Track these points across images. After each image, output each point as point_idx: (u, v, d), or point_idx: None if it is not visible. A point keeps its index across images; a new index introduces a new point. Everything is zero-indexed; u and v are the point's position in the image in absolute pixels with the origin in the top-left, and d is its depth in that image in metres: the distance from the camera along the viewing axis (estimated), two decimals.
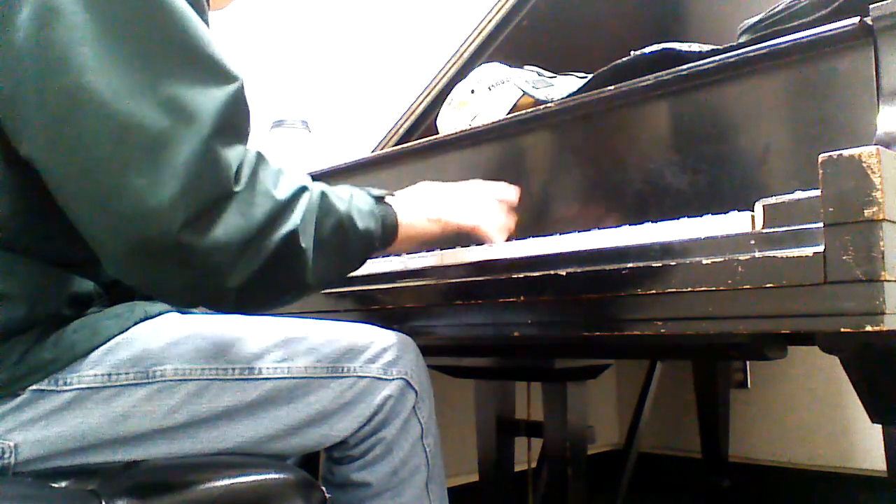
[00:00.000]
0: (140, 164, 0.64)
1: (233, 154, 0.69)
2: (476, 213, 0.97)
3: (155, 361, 0.77)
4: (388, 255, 1.07)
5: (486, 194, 1.01)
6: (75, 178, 0.66)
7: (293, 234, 0.73)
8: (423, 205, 0.95)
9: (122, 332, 0.78)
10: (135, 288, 0.80)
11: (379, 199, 0.89)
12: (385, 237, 0.88)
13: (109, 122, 0.64)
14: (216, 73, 0.69)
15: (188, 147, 0.65)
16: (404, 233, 0.91)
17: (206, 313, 0.89)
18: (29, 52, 0.64)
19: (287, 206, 0.73)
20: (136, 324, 0.79)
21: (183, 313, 0.86)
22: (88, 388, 0.74)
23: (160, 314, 0.82)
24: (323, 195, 0.79)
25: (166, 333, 0.80)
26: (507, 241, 0.99)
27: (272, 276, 0.72)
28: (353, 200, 0.84)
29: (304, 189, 0.76)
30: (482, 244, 0.99)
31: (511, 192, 1.04)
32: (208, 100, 0.67)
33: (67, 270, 0.75)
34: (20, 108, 0.66)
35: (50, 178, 0.67)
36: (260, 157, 0.72)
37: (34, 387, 0.73)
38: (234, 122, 0.69)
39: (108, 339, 0.76)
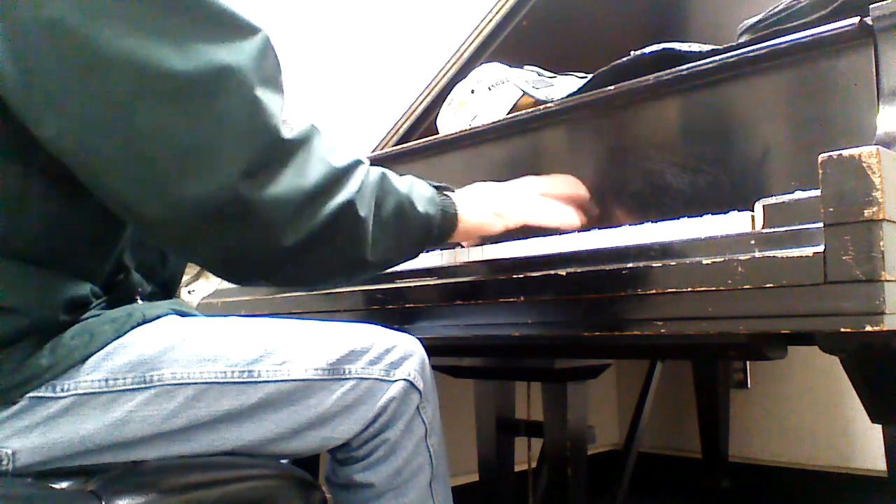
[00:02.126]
0: (189, 121, 0.64)
1: (275, 104, 0.69)
2: (538, 208, 0.97)
3: (153, 366, 0.76)
4: (432, 250, 1.05)
5: (545, 189, 1.00)
6: (117, 146, 0.64)
7: (350, 203, 0.74)
8: (485, 199, 0.95)
9: (120, 336, 0.77)
10: (182, 254, 0.78)
11: (440, 189, 0.91)
12: (444, 226, 0.89)
13: (147, 85, 0.63)
14: (237, 27, 0.68)
15: (235, 99, 0.65)
16: (465, 224, 0.92)
17: (206, 315, 0.89)
18: (37, 27, 0.63)
19: (344, 174, 0.74)
20: (133, 328, 0.78)
21: (182, 316, 0.86)
22: (86, 393, 0.74)
23: (158, 318, 0.82)
24: (384, 175, 0.81)
25: (164, 337, 0.79)
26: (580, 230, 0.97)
27: (329, 243, 0.73)
28: (413, 185, 0.86)
29: (360, 163, 0.77)
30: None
31: (578, 187, 1.02)
32: (239, 53, 0.67)
33: (63, 273, 0.74)
34: (39, 86, 0.64)
35: (80, 154, 0.66)
36: (314, 127, 0.74)
37: (32, 394, 0.72)
38: (269, 72, 0.70)
39: (106, 345, 0.76)
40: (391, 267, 0.89)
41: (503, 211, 0.95)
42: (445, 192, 0.92)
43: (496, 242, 0.99)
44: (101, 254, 0.79)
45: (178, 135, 0.64)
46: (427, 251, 0.93)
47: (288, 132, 0.70)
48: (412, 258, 0.90)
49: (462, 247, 1.04)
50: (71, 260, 0.75)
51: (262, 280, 0.79)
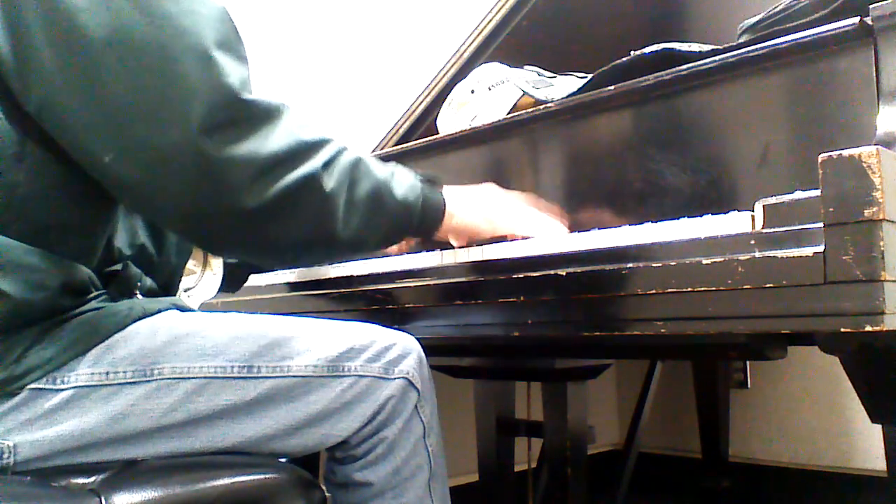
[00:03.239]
0: (149, 77, 0.69)
1: (232, 68, 0.72)
2: (528, 221, 0.99)
3: (154, 360, 0.77)
4: (432, 250, 1.07)
5: (540, 212, 1.02)
6: (93, 111, 0.69)
7: (313, 176, 0.76)
8: (478, 203, 0.97)
9: (121, 329, 0.77)
10: (148, 213, 0.80)
11: (427, 180, 0.92)
12: (426, 216, 0.90)
13: (111, 54, 0.68)
14: None
15: (189, 56, 0.70)
16: (453, 221, 0.93)
17: (206, 311, 0.89)
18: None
19: (309, 148, 0.77)
20: (134, 321, 0.79)
21: (182, 311, 0.86)
22: (87, 386, 0.74)
23: (159, 312, 0.82)
24: (360, 158, 0.82)
25: (165, 331, 0.79)
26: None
27: (291, 214, 0.75)
28: (395, 172, 0.88)
29: (330, 141, 0.80)
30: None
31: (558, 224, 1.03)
32: (196, 17, 0.71)
33: (55, 253, 0.74)
34: (28, 57, 0.69)
35: (62, 115, 0.70)
36: (286, 105, 0.77)
37: (32, 385, 0.72)
38: (225, 38, 0.73)
39: (107, 338, 0.76)
40: (368, 250, 0.90)
41: (494, 217, 0.97)
42: (433, 185, 0.92)
43: (490, 243, 0.99)
44: (92, 232, 0.80)
45: (139, 89, 0.69)
46: (416, 244, 0.96)
47: (249, 96, 0.73)
48: (392, 244, 0.92)
49: (454, 247, 1.04)
50: (63, 238, 0.75)
51: (228, 246, 0.82)
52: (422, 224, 0.91)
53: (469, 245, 0.99)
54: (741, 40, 0.98)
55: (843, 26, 0.78)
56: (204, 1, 0.73)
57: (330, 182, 0.77)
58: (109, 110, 0.69)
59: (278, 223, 0.75)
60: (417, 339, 0.92)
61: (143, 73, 0.69)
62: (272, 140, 0.73)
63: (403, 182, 0.88)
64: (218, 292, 1.33)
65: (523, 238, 0.97)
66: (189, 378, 0.78)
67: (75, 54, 0.69)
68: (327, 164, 0.78)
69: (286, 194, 0.74)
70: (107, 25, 0.69)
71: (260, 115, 0.73)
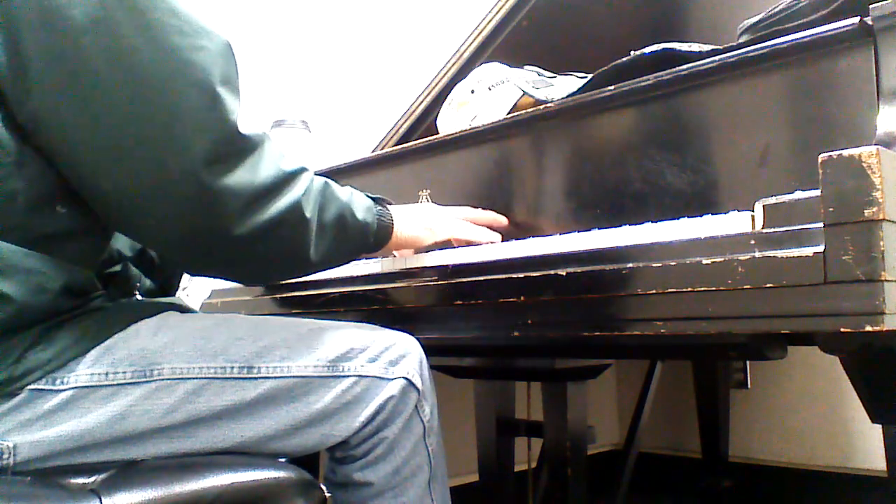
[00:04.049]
0: (153, 111, 0.70)
1: (233, 103, 0.74)
2: (465, 226, 1.08)
3: (153, 360, 0.77)
4: (378, 258, 1.13)
5: (473, 215, 1.11)
6: (92, 132, 0.70)
7: (297, 204, 0.80)
8: (417, 215, 1.04)
9: (121, 330, 0.78)
10: (136, 234, 0.81)
11: (377, 200, 0.98)
12: (380, 234, 0.96)
13: (119, 72, 0.69)
14: (203, 31, 0.74)
15: (196, 91, 0.71)
16: (399, 236, 1.00)
17: (206, 312, 0.89)
18: (26, 12, 0.68)
19: (292, 177, 0.80)
20: (134, 322, 0.79)
21: (182, 311, 0.86)
22: (86, 386, 0.74)
23: (159, 312, 0.82)
24: (326, 184, 0.87)
25: (165, 332, 0.79)
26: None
27: (275, 239, 0.79)
28: (353, 195, 0.92)
29: (306, 170, 0.84)
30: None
31: (500, 218, 1.12)
32: (204, 52, 0.72)
33: (56, 257, 0.74)
34: (25, 69, 0.69)
35: (58, 134, 0.70)
36: (266, 134, 0.79)
37: (32, 386, 0.72)
38: (229, 74, 0.75)
39: (107, 338, 0.76)
40: (329, 268, 0.94)
41: (433, 226, 1.06)
42: (383, 204, 0.98)
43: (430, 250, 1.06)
44: (93, 236, 0.79)
45: (142, 119, 0.70)
46: (361, 258, 1.01)
47: (245, 130, 0.75)
48: (348, 262, 0.96)
49: (395, 255, 1.13)
50: (64, 243, 0.75)
51: (209, 267, 0.84)
52: (376, 242, 0.96)
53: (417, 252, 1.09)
54: (741, 40, 0.98)
55: (843, 26, 0.78)
56: (211, 35, 0.74)
57: (308, 209, 0.82)
58: (109, 135, 0.70)
59: (260, 248, 0.78)
60: (417, 339, 0.92)
61: (146, 104, 0.70)
62: (261, 171, 0.76)
63: (361, 204, 0.93)
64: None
65: (467, 243, 1.07)
66: (189, 378, 0.78)
67: (74, 75, 0.69)
68: (306, 193, 0.82)
69: (273, 222, 0.77)
70: (108, 49, 0.69)
71: (250, 148, 0.76)
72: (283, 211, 0.78)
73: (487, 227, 1.11)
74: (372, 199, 0.97)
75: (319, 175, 0.87)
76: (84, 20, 0.68)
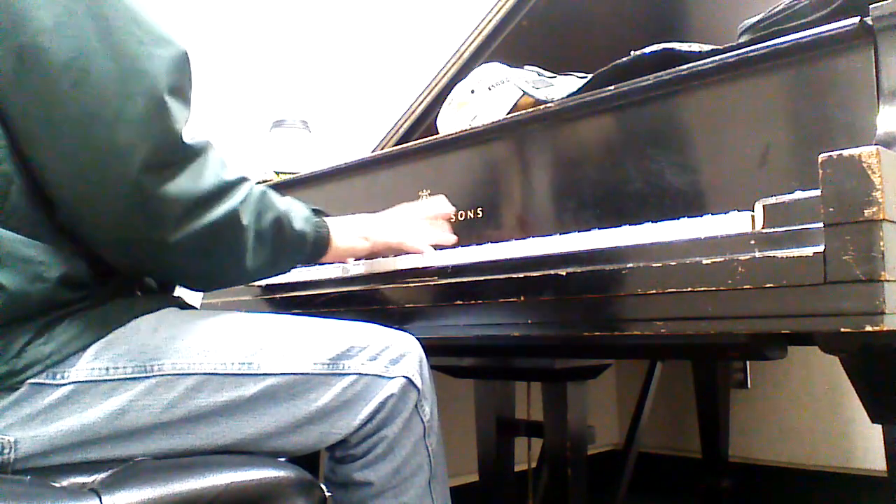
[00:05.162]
0: (102, 111, 0.71)
1: (181, 115, 0.76)
2: (401, 232, 1.08)
3: (154, 355, 0.77)
4: (320, 265, 1.16)
5: (411, 214, 1.12)
6: (44, 128, 0.72)
7: (234, 212, 0.80)
8: (354, 225, 1.04)
9: (122, 326, 0.78)
10: (79, 234, 0.81)
11: (315, 211, 0.98)
12: (317, 244, 0.97)
13: (68, 78, 0.71)
14: (159, 38, 0.75)
15: (143, 99, 0.72)
16: (336, 247, 1.00)
17: (206, 309, 0.89)
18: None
19: (232, 186, 0.81)
20: (135, 317, 0.79)
21: (182, 308, 0.86)
22: (87, 381, 0.75)
23: (159, 308, 0.83)
24: (264, 192, 0.87)
25: (165, 328, 0.80)
26: (437, 249, 1.08)
27: (212, 246, 0.79)
28: (292, 205, 0.93)
29: (246, 179, 0.84)
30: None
31: (443, 206, 1.14)
32: (155, 60, 0.74)
33: (51, 246, 0.75)
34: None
35: (20, 125, 0.73)
36: (210, 143, 0.80)
37: (33, 380, 0.73)
38: (179, 84, 0.76)
39: (108, 333, 0.77)
40: (265, 278, 0.96)
41: (369, 235, 1.06)
42: (320, 216, 0.99)
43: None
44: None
45: (90, 118, 0.71)
46: (298, 267, 1.01)
47: (188, 139, 0.76)
48: (285, 272, 0.96)
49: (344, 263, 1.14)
50: (63, 234, 0.76)
51: (146, 272, 0.86)
52: (312, 253, 0.97)
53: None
54: (741, 40, 0.98)
55: (843, 26, 0.78)
56: (169, 45, 0.76)
57: (245, 217, 0.82)
58: (59, 133, 0.72)
59: (197, 255, 0.79)
60: (418, 338, 0.92)
61: (94, 107, 0.71)
62: (202, 179, 0.77)
63: (300, 214, 0.94)
64: None
65: (398, 245, 1.07)
66: (189, 374, 0.78)
67: (33, 72, 0.71)
68: (244, 201, 0.82)
69: (209, 230, 0.78)
70: (68, 50, 0.71)
71: (192, 156, 0.77)
72: (220, 218, 0.79)
73: (433, 219, 1.12)
74: (311, 210, 0.98)
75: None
76: (49, 22, 0.70)
